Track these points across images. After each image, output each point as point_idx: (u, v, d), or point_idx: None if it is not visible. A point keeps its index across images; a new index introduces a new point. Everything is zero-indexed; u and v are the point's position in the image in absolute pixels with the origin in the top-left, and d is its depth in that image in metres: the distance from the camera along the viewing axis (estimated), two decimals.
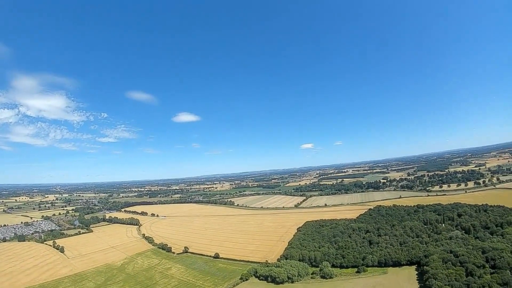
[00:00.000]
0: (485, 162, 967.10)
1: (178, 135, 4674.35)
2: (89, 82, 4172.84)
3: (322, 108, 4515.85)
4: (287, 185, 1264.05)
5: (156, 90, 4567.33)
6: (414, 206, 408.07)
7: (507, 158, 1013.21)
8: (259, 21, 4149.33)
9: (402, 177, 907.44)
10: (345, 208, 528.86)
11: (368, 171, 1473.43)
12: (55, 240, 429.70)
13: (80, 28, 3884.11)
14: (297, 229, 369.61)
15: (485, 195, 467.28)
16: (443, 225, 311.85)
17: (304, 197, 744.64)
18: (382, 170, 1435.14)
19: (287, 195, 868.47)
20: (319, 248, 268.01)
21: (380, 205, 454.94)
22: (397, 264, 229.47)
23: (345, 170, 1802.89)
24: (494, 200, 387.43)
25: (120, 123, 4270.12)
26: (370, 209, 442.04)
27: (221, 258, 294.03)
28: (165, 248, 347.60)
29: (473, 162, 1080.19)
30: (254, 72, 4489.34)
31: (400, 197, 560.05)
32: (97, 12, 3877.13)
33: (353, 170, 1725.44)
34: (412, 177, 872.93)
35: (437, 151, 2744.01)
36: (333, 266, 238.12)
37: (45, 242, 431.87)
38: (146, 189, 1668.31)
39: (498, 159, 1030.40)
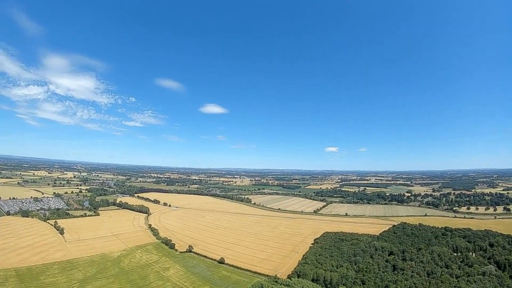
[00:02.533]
0: None
1: (204, 125, 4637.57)
2: (119, 66, 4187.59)
3: (349, 113, 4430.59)
4: (308, 187, 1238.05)
5: (185, 79, 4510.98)
6: (441, 228, 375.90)
7: None
8: (290, 26, 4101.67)
9: (427, 192, 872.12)
10: (367, 220, 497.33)
11: (391, 182, 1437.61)
12: (57, 220, 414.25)
13: (114, 12, 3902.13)
14: (314, 240, 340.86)
15: None
16: (474, 255, 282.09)
17: (324, 203, 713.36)
18: (405, 182, 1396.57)
19: (307, 198, 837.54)
20: (337, 268, 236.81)
21: (405, 222, 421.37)
22: None
23: (368, 178, 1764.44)
24: None
25: (147, 108, 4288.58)
26: (394, 225, 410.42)
27: (226, 264, 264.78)
28: (168, 243, 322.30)
29: (500, 184, 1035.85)
30: (285, 72, 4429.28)
31: (426, 215, 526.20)
32: (134, 1, 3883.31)
33: (376, 179, 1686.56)
34: (438, 194, 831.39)
35: (461, 168, 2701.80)
36: None
37: (47, 221, 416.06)
38: (165, 176, 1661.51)
39: None
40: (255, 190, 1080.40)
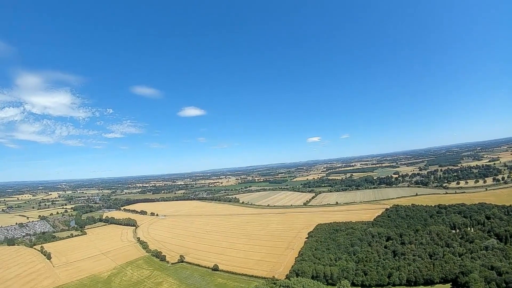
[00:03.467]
0: (498, 157, 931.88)
1: (184, 129, 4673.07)
2: (93, 78, 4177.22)
3: (328, 101, 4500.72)
4: (294, 180, 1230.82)
5: (161, 85, 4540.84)
6: (435, 206, 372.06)
7: None
8: (265, 18, 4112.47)
9: (414, 172, 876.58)
10: (359, 207, 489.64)
11: (377, 165, 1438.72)
12: (44, 245, 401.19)
13: (83, 25, 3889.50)
14: (308, 233, 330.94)
15: (509, 194, 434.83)
16: (472, 230, 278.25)
17: (313, 194, 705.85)
18: (391, 164, 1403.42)
19: (295, 191, 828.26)
20: (336, 261, 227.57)
21: (397, 205, 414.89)
22: (429, 282, 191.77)
23: (353, 164, 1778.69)
24: None
25: (125, 118, 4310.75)
26: (387, 209, 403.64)
27: (221, 270, 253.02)
28: (158, 256, 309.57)
29: (485, 156, 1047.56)
30: (260, 66, 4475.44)
31: (417, 195, 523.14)
32: (100, 9, 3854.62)
33: (361, 164, 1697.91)
34: (425, 172, 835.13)
35: (445, 144, 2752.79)
36: (353, 284, 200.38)
37: (34, 247, 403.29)
38: (150, 185, 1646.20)
39: (511, 154, 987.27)
40: (242, 188, 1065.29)
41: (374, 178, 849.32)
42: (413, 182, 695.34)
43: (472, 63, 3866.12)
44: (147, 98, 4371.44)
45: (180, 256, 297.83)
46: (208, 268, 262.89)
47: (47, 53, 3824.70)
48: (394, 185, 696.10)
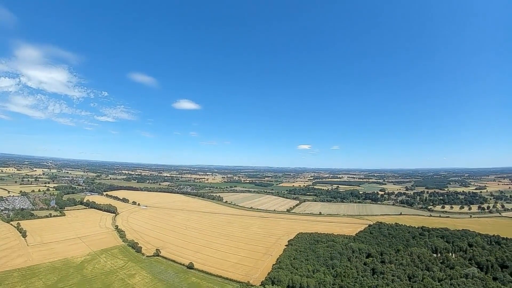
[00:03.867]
0: (485, 186, 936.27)
1: (177, 121, 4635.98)
2: (92, 59, 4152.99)
3: (322, 111, 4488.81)
4: (280, 185, 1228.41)
5: (158, 74, 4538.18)
6: (418, 227, 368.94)
7: (507, 184, 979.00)
8: (264, 21, 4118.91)
9: (401, 191, 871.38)
10: (342, 220, 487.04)
11: (364, 180, 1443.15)
12: (21, 222, 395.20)
13: (89, 5, 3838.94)
14: (288, 241, 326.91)
15: (493, 224, 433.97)
16: (454, 256, 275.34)
17: (298, 201, 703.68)
18: (378, 180, 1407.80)
19: (280, 196, 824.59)
20: (313, 272, 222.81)
21: (380, 222, 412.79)
22: None
23: (340, 176, 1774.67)
24: (503, 230, 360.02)
25: (119, 103, 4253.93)
26: (370, 225, 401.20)
27: (196, 269, 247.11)
28: (135, 247, 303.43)
29: (472, 183, 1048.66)
30: (257, 70, 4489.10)
31: (401, 214, 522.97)
32: None
33: (348, 177, 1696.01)
34: (411, 192, 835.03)
35: (433, 167, 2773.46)
36: None
37: (11, 222, 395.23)
38: (136, 173, 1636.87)
39: (498, 184, 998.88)
40: (227, 187, 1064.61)
41: (360, 192, 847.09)
42: (398, 201, 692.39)
43: (470, 91, 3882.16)
44: (143, 86, 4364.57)
45: (156, 249, 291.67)
46: (183, 265, 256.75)
47: (49, 27, 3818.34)
48: (379, 202, 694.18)
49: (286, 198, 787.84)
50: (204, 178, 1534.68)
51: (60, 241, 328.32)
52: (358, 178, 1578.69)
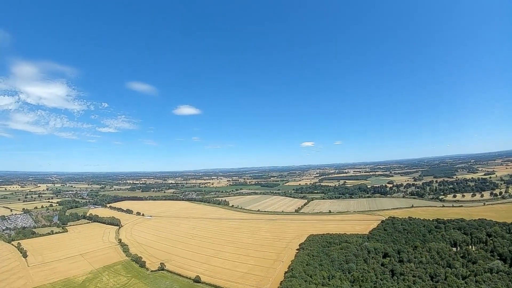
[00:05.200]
0: (493, 170, 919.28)
1: (179, 127, 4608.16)
2: (90, 71, 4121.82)
3: (323, 107, 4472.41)
4: (287, 184, 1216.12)
5: (157, 82, 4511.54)
6: (433, 220, 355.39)
7: None
8: (263, 21, 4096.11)
9: (409, 182, 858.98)
10: (353, 217, 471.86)
11: (371, 173, 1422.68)
12: (22, 241, 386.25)
13: (82, 18, 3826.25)
14: (300, 245, 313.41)
15: (508, 210, 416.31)
16: (474, 248, 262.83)
17: (306, 200, 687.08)
18: (384, 172, 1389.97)
19: (287, 196, 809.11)
20: (329, 280, 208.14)
21: (393, 217, 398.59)
22: None
23: (346, 171, 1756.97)
24: None
25: (120, 113, 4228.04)
26: (382, 221, 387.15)
27: (203, 283, 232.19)
28: (138, 261, 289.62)
29: (479, 169, 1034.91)
30: (256, 69, 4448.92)
31: (413, 207, 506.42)
32: (100, 3, 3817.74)
33: (354, 171, 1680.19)
34: (420, 183, 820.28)
35: (437, 155, 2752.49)
36: None
37: (12, 242, 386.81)
38: (141, 182, 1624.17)
39: (506, 168, 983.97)
40: (232, 191, 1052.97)
41: (368, 186, 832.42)
42: (408, 193, 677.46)
43: (470, 75, 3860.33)
44: (142, 94, 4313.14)
45: (160, 263, 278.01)
46: (190, 279, 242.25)
47: (45, 43, 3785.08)
48: (388, 195, 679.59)
49: (294, 197, 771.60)
50: (209, 182, 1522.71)
51: (62, 259, 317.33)
52: (364, 172, 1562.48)
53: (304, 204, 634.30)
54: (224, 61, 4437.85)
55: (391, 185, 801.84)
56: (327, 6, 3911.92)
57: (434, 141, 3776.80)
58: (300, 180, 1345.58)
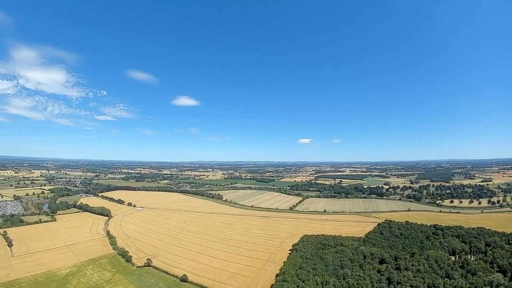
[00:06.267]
0: (491, 177, 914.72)
1: (177, 118, 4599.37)
2: (90, 58, 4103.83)
3: (322, 105, 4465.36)
4: (282, 180, 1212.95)
5: (157, 71, 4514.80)
6: (431, 226, 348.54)
7: None
8: (263, 19, 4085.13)
9: (406, 184, 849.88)
10: (349, 218, 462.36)
11: (367, 173, 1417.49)
12: (8, 229, 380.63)
13: (84, 3, 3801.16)
14: (293, 245, 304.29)
15: (507, 220, 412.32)
16: (473, 258, 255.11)
17: (301, 198, 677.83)
18: (381, 173, 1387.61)
19: (282, 193, 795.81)
20: (322, 286, 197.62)
21: (390, 220, 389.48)
22: None
23: (342, 170, 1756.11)
24: None
25: (119, 101, 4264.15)
26: (379, 224, 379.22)
27: (190, 282, 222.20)
28: (125, 256, 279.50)
29: (476, 176, 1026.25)
30: (256, 65, 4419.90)
31: (409, 210, 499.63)
32: None
33: (351, 170, 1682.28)
34: (417, 186, 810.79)
35: (434, 159, 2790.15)
36: None
37: None
38: (136, 171, 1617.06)
39: (504, 176, 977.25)
40: (227, 184, 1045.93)
41: (364, 187, 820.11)
42: (405, 195, 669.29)
43: (469, 83, 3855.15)
44: (142, 83, 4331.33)
45: (147, 259, 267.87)
46: (176, 277, 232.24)
47: (46, 27, 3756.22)
48: (385, 197, 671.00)
49: (289, 194, 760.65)
50: (204, 174, 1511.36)
51: (47, 250, 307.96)
52: (361, 172, 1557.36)
53: (299, 202, 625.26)
54: (224, 56, 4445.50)
55: (387, 187, 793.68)
56: (324, 7, 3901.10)
57: (431, 145, 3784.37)
58: (296, 177, 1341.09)
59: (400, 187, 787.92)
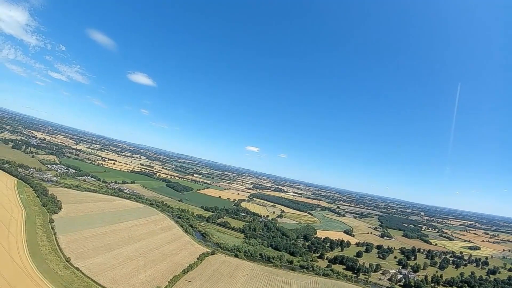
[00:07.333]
0: (472, 242, 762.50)
1: (130, 95, 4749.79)
2: (55, 4, 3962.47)
3: (272, 118, 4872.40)
4: (203, 191, 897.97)
5: (119, 38, 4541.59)
6: None
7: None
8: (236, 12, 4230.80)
9: (371, 232, 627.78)
10: None
11: (314, 202, 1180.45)
12: None
13: None
14: None
15: None
16: None
17: (204, 249, 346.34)
18: (330, 205, 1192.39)
19: (176, 224, 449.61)
20: None
21: None
22: None
23: (285, 189, 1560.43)
24: None
25: (75, 62, 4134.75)
26: None
27: None
28: None
29: (455, 236, 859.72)
30: (216, 58, 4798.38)
31: None
32: None
33: (294, 193, 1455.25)
34: (391, 242, 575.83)
35: (376, 194, 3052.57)
36: None
37: None
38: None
39: (484, 241, 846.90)
40: (114, 182, 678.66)
41: (327, 245, 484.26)
42: (395, 280, 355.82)
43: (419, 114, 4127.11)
44: (101, 48, 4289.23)
45: None
46: None
47: None
48: (363, 279, 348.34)
49: (186, 232, 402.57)
50: (120, 162, 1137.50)
51: None
52: (306, 198, 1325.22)
53: (195, 264, 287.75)
54: (186, 41, 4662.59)
55: (363, 250, 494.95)
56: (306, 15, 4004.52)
57: (374, 180, 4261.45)
58: (228, 189, 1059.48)
59: (383, 267, 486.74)
